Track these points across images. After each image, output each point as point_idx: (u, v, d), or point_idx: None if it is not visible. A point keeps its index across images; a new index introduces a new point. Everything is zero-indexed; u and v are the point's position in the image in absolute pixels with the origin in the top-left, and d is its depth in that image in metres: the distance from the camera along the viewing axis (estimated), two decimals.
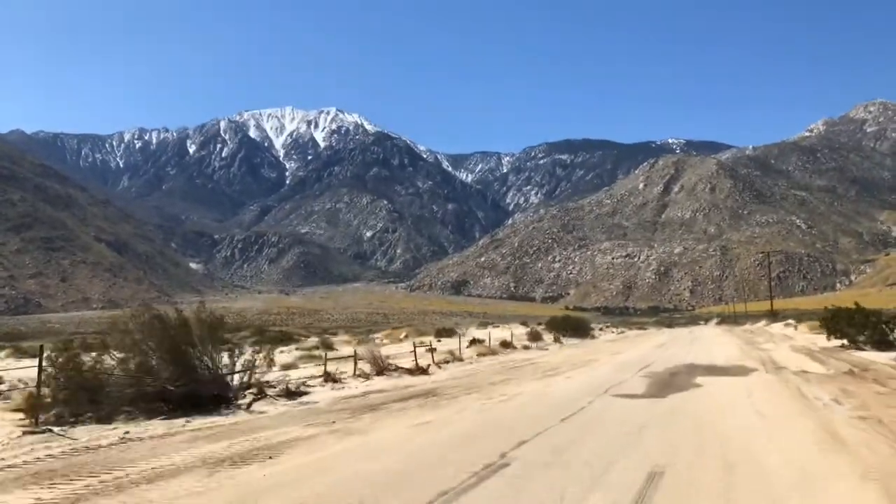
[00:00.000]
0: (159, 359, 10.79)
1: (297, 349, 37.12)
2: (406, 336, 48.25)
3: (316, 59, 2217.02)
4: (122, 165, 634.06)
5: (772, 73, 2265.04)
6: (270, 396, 12.18)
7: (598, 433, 8.18)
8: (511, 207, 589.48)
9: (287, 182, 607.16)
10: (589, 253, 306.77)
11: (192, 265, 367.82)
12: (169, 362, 10.70)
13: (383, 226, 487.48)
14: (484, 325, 71.36)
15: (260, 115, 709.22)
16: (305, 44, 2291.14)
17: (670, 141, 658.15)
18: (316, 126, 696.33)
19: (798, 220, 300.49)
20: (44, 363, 9.92)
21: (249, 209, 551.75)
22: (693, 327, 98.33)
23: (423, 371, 18.79)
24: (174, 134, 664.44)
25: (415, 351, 20.51)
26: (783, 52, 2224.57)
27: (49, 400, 9.82)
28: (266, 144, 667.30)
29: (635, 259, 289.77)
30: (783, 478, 6.08)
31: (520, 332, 49.00)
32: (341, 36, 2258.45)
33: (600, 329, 73.88)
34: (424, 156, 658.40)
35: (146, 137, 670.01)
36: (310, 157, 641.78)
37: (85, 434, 8.72)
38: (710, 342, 39.32)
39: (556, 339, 43.10)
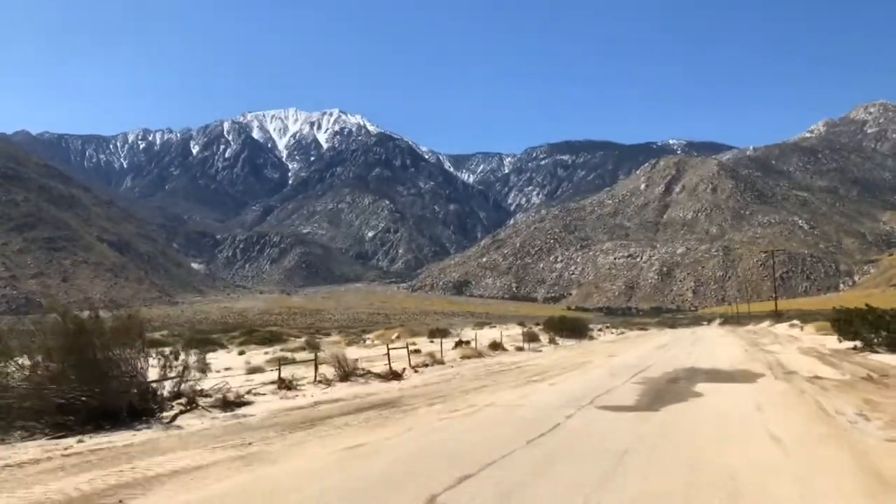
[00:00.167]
0: (67, 366, 9.18)
1: (281, 350, 35.63)
2: (398, 337, 46.55)
3: (319, 61, 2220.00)
4: (125, 166, 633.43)
5: (772, 74, 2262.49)
6: (202, 407, 10.58)
7: (565, 465, 6.50)
8: (513, 208, 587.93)
9: (289, 182, 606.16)
10: (591, 253, 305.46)
11: (195, 265, 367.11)
12: (76, 369, 9.10)
13: (385, 226, 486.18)
14: (481, 325, 69.88)
15: (263, 116, 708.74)
16: (309, 46, 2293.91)
17: (671, 142, 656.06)
18: (319, 127, 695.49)
19: (800, 221, 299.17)
20: None
21: (252, 209, 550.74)
22: (696, 328, 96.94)
23: (396, 376, 17.44)
24: (178, 135, 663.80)
25: (388, 354, 19.06)
26: (784, 52, 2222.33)
27: None
28: (269, 145, 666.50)
29: (637, 259, 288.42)
30: None
31: (516, 332, 47.39)
32: (344, 38, 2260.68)
33: (599, 330, 72.19)
34: (426, 156, 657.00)
35: (150, 138, 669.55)
36: (312, 158, 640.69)
37: None
38: (712, 343, 37.63)
39: (552, 341, 41.69)
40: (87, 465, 6.73)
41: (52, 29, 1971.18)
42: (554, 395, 12.84)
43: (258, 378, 17.14)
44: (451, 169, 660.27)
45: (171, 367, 11.03)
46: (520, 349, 33.47)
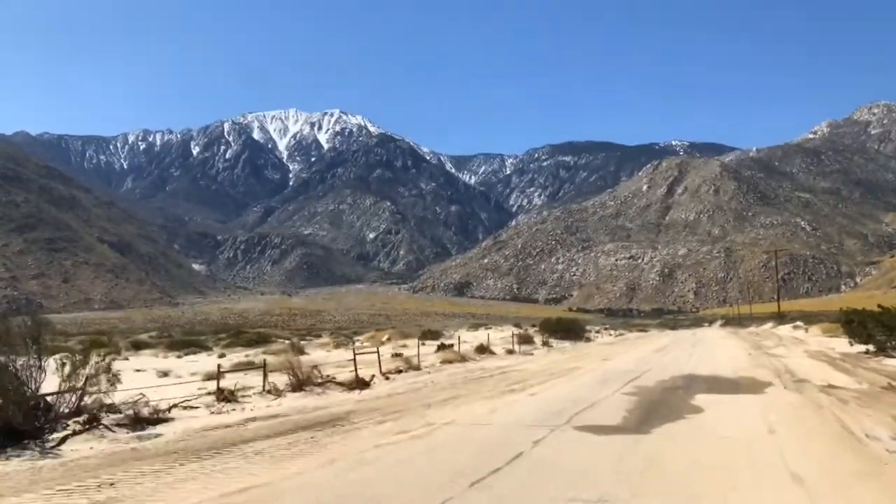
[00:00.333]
0: None
1: (263, 353, 34.08)
2: (388, 339, 44.93)
3: (320, 62, 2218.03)
4: (126, 167, 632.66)
5: (775, 75, 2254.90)
6: (105, 426, 8.93)
7: None
8: (514, 209, 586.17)
9: (290, 184, 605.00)
10: (592, 255, 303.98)
11: (195, 266, 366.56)
12: None
13: (386, 227, 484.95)
14: (476, 327, 68.20)
15: (264, 116, 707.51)
16: (309, 46, 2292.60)
17: (673, 143, 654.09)
18: (319, 128, 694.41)
19: (802, 222, 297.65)
20: None
21: (253, 210, 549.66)
22: (697, 329, 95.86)
23: (362, 385, 16.03)
24: (178, 135, 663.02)
25: (354, 360, 17.44)
26: (787, 53, 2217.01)
27: None
28: (270, 146, 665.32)
29: (639, 261, 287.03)
30: None
31: (511, 334, 45.68)
32: (345, 38, 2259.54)
33: (597, 331, 70.50)
34: (428, 157, 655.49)
35: (150, 139, 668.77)
36: (313, 159, 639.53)
37: None
38: (714, 346, 36.00)
39: (545, 343, 39.84)
40: None
41: (52, 29, 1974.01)
42: (530, 409, 11.38)
43: (213, 385, 15.58)
44: (453, 170, 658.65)
45: (78, 376, 9.30)
46: (511, 352, 31.93)
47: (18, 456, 7.44)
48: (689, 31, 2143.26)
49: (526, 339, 39.95)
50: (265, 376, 15.05)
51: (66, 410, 8.99)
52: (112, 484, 6.01)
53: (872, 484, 5.62)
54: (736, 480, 5.98)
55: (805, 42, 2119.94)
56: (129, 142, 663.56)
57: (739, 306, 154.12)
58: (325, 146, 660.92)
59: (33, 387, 8.53)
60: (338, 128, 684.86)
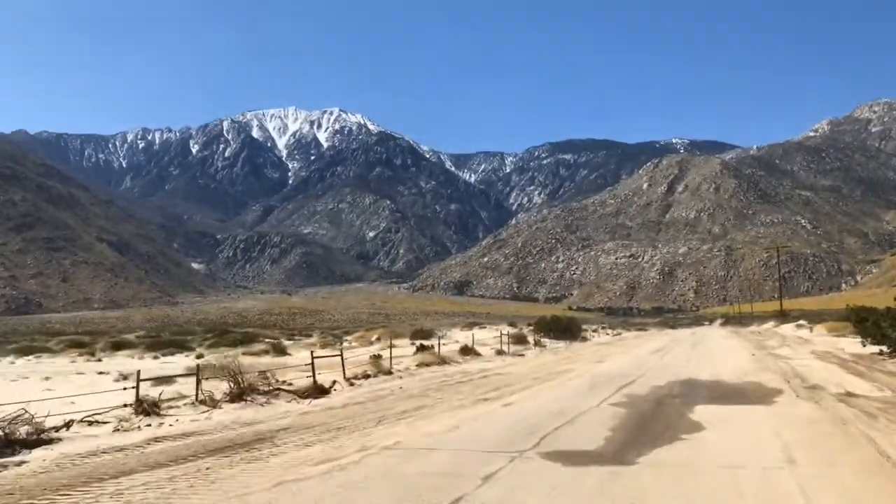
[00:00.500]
0: None
1: (243, 353, 32.60)
2: (378, 338, 43.41)
3: (319, 60, 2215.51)
4: (125, 165, 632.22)
5: (776, 73, 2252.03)
6: None
7: None
8: (514, 207, 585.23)
9: (290, 182, 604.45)
10: (592, 253, 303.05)
11: (195, 265, 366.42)
12: None
13: (386, 226, 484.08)
14: (471, 326, 66.77)
15: (263, 115, 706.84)
16: (308, 44, 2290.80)
17: (674, 141, 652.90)
18: (319, 126, 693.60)
19: (803, 221, 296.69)
20: None
21: (252, 209, 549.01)
22: (697, 328, 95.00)
23: (321, 392, 14.64)
24: (177, 134, 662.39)
25: (312, 364, 15.84)
26: (787, 51, 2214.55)
27: None
28: (269, 144, 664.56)
29: (639, 259, 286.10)
30: None
31: (500, 333, 44.14)
32: (345, 36, 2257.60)
33: (594, 331, 69.01)
34: (427, 156, 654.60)
35: (149, 137, 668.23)
36: (313, 158, 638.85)
37: None
38: (715, 347, 34.40)
39: (537, 343, 38.22)
40: None
41: (50, 28, 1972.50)
42: (498, 426, 9.79)
43: (160, 391, 14.12)
44: (453, 168, 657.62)
45: None
46: (501, 353, 30.48)
47: None
48: (689, 29, 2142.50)
49: (520, 339, 38.55)
50: (198, 384, 13.48)
51: None
52: None
53: None
54: None
55: (805, 40, 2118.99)
56: (128, 140, 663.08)
57: (740, 305, 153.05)
58: (325, 144, 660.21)
59: None
60: (337, 126, 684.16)
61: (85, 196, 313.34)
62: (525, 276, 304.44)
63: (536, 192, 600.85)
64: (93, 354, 37.14)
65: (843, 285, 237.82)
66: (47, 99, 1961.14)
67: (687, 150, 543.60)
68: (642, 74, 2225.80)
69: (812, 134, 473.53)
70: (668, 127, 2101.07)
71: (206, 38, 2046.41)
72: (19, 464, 7.35)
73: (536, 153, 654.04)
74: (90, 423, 10.14)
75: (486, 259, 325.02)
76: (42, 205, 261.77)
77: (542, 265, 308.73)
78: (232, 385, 13.35)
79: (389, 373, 19.59)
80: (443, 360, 23.86)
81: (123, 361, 30.34)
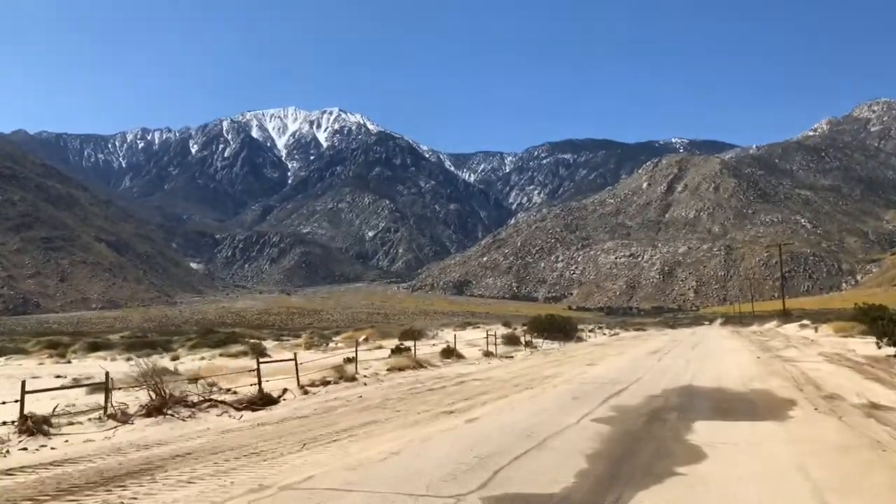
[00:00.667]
0: None
1: (220, 355, 32.30)
2: (366, 339, 43.09)
3: (319, 60, 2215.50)
4: (124, 165, 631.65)
5: (775, 73, 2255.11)
6: None
7: None
8: (514, 207, 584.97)
9: (289, 182, 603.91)
10: (592, 253, 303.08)
11: (193, 265, 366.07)
12: None
13: (385, 226, 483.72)
14: (465, 326, 66.83)
15: (262, 115, 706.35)
16: (308, 44, 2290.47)
17: (673, 140, 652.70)
18: (318, 126, 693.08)
19: (803, 220, 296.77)
20: None
21: (251, 209, 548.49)
22: (697, 328, 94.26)
23: (267, 402, 13.68)
24: (177, 134, 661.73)
25: (258, 369, 15.10)
26: (787, 51, 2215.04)
27: None
28: (268, 144, 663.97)
29: (639, 259, 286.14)
30: None
31: (487, 333, 43.63)
32: (344, 36, 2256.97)
33: (590, 330, 68.79)
34: (427, 155, 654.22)
35: (149, 137, 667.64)
36: (312, 157, 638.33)
37: None
38: (716, 348, 33.10)
39: (528, 344, 37.43)
40: None
41: (50, 28, 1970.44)
42: (447, 450, 8.36)
43: (55, 405, 12.59)
44: (452, 168, 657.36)
45: None
46: (489, 354, 29.47)
47: None
48: (689, 28, 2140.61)
49: (512, 340, 38.05)
50: (107, 395, 12.15)
51: None
52: None
53: None
54: None
55: (805, 39, 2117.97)
56: (128, 140, 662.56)
57: (740, 304, 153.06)
58: (324, 144, 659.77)
59: None
60: (337, 126, 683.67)
61: (84, 196, 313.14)
62: (525, 276, 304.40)
63: (536, 192, 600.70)
64: (63, 356, 36.74)
65: (844, 285, 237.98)
66: (47, 99, 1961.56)
67: (686, 149, 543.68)
68: (642, 74, 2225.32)
69: (811, 133, 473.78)
70: (667, 126, 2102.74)
71: (205, 38, 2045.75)
72: None
73: (536, 153, 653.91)
74: None
75: (485, 259, 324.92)
76: (41, 205, 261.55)
77: (542, 265, 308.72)
78: (152, 396, 11.79)
79: (353, 379, 18.28)
80: (419, 364, 22.51)
81: (93, 364, 29.12)
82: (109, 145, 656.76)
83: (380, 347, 25.97)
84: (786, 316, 70.34)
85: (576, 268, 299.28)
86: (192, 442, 9.82)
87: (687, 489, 6.39)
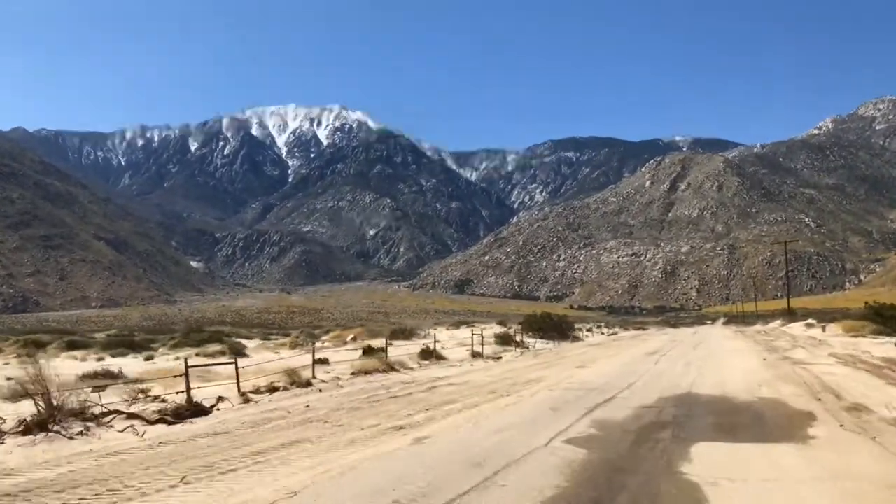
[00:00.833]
0: None
1: (197, 355, 30.24)
2: (354, 338, 41.10)
3: (319, 57, 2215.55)
4: (123, 163, 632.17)
5: (780, 71, 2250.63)
6: None
7: None
8: (516, 205, 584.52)
9: (289, 180, 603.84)
10: (594, 251, 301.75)
11: (193, 263, 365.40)
12: None
13: (386, 224, 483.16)
14: (458, 325, 65.15)
15: (263, 112, 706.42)
16: (309, 41, 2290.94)
17: (677, 139, 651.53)
18: (319, 124, 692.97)
19: (807, 219, 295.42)
20: None
21: (251, 207, 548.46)
22: (699, 327, 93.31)
23: (196, 412, 11.95)
24: (176, 131, 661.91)
25: (186, 375, 13.07)
26: (791, 49, 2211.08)
27: None
28: (269, 142, 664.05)
29: (641, 258, 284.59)
30: None
31: (472, 333, 41.47)
32: (345, 33, 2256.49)
33: (588, 330, 67.13)
34: (428, 153, 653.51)
35: (148, 135, 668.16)
36: (312, 155, 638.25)
37: None
38: (718, 348, 31.28)
39: (519, 345, 35.68)
40: None
41: (49, 25, 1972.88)
42: (362, 489, 6.62)
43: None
44: (454, 166, 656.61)
45: None
46: (476, 354, 27.91)
47: None
48: (691, 27, 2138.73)
49: (506, 340, 36.48)
50: None
51: None
52: None
53: None
54: None
55: (810, 37, 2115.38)
56: (127, 138, 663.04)
57: (743, 304, 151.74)
58: (325, 142, 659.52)
59: None
60: (337, 123, 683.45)
61: (83, 194, 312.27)
62: (526, 275, 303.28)
63: (538, 190, 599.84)
64: (30, 356, 35.14)
65: (847, 284, 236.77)
66: (46, 97, 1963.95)
67: (690, 147, 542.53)
68: (645, 72, 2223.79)
69: (816, 132, 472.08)
70: (670, 125, 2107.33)
71: (205, 36, 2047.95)
72: None
73: (538, 151, 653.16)
74: None
75: (487, 257, 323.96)
76: (40, 202, 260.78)
77: (544, 263, 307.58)
78: (41, 407, 10.05)
79: (308, 384, 16.49)
80: (390, 367, 20.79)
81: (60, 364, 28.05)
82: (108, 143, 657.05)
83: (367, 347, 24.28)
84: (791, 315, 68.34)
85: (578, 267, 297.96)
86: (50, 472, 7.77)
87: None
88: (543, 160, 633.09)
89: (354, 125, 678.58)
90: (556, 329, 45.82)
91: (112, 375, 18.39)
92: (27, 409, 10.69)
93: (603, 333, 65.04)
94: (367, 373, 19.27)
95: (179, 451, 8.84)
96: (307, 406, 13.10)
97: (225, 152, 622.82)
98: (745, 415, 10.57)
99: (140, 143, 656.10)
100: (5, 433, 9.76)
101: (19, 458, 8.76)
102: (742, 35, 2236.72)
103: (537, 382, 16.41)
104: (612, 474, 6.94)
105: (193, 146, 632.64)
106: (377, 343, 33.34)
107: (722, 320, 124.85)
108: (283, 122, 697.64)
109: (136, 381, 15.78)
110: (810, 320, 52.43)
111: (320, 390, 16.03)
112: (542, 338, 42.95)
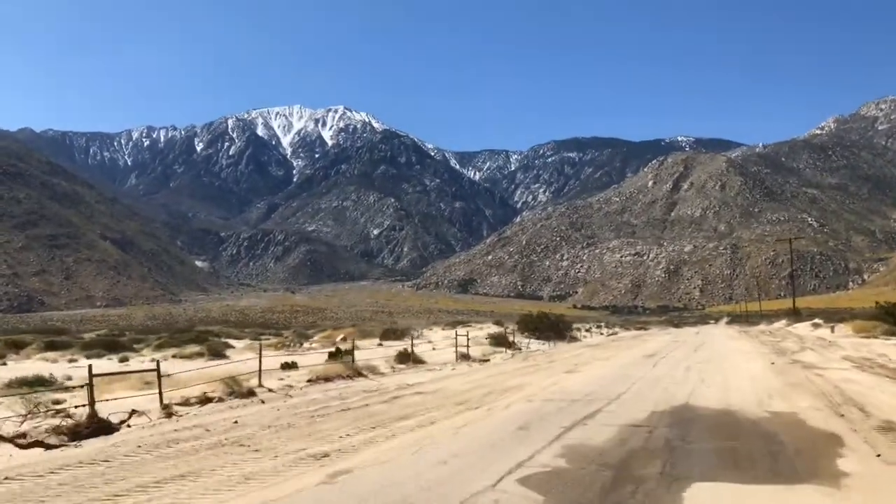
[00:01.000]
0: None
1: (173, 356, 30.09)
2: (344, 338, 40.49)
3: (324, 58, 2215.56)
4: (129, 163, 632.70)
5: (782, 71, 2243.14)
6: None
7: None
8: (519, 205, 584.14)
9: (294, 180, 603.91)
10: (597, 251, 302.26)
11: (198, 263, 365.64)
12: None
13: (390, 224, 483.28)
14: (454, 325, 65.11)
15: (268, 113, 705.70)
16: (314, 42, 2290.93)
17: (679, 139, 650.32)
18: (324, 124, 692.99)
19: (810, 219, 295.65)
20: None
21: (256, 207, 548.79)
22: (702, 327, 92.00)
23: (99, 429, 10.41)
24: (182, 132, 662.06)
25: (90, 384, 11.37)
26: (793, 49, 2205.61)
27: None
28: (273, 142, 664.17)
29: (644, 257, 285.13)
30: None
31: (456, 333, 37.04)
32: (350, 34, 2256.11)
33: (587, 330, 66.81)
34: (432, 153, 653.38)
35: (154, 135, 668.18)
36: (317, 155, 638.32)
37: None
38: (722, 350, 29.46)
39: (510, 346, 34.57)
40: None
41: (56, 25, 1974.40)
42: None
43: None
44: (457, 166, 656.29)
45: None
46: (465, 357, 26.53)
47: None
48: (694, 27, 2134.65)
49: (499, 340, 35.83)
50: None
51: None
52: None
53: None
54: None
55: (812, 37, 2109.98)
56: (133, 138, 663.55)
57: (746, 303, 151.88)
58: (329, 142, 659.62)
59: None
60: (342, 124, 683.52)
61: (89, 194, 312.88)
62: (530, 274, 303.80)
63: (541, 190, 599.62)
64: (1, 357, 33.81)
65: (851, 283, 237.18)
66: (53, 97, 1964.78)
67: (692, 147, 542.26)
68: (647, 72, 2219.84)
69: (818, 132, 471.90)
70: (673, 125, 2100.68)
71: (211, 37, 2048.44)
72: None
73: (541, 151, 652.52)
74: None
75: (490, 257, 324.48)
76: (46, 202, 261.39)
77: (547, 263, 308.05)
78: None
79: (251, 393, 14.81)
80: (357, 372, 19.11)
81: (30, 366, 26.17)
82: (115, 143, 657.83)
83: (357, 349, 23.50)
84: (796, 314, 67.91)
85: (581, 266, 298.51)
86: None
87: None
88: (546, 160, 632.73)
89: (358, 126, 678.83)
90: (553, 329, 45.12)
91: (42, 382, 16.85)
92: None
93: (602, 334, 64.36)
94: (327, 379, 17.56)
95: (12, 494, 6.68)
96: (235, 422, 11.25)
97: (230, 153, 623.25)
98: (754, 438, 8.53)
99: (146, 143, 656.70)
100: None
101: None
102: (744, 35, 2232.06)
103: (517, 391, 14.69)
104: None
105: (199, 146, 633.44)
106: (367, 343, 33.28)
107: (725, 320, 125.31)
108: (288, 123, 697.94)
109: (66, 388, 14.67)
110: (817, 320, 51.94)
111: (263, 402, 14.30)
112: (538, 338, 42.31)
